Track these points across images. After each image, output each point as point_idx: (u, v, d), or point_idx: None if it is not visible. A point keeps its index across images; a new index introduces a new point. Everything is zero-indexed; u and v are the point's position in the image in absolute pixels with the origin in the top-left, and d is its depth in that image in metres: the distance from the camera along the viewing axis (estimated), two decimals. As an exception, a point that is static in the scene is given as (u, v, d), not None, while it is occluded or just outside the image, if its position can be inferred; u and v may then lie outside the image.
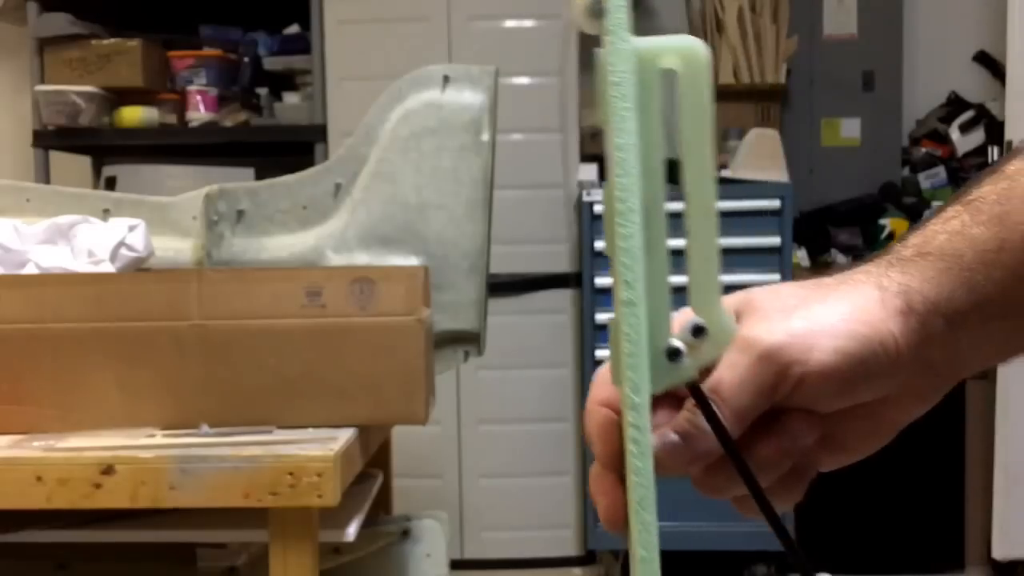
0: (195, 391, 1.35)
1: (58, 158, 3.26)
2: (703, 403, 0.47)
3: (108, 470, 1.22)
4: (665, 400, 0.48)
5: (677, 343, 0.47)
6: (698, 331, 0.47)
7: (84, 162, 3.47)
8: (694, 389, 0.47)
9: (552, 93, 3.13)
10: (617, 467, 0.47)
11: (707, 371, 0.48)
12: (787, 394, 0.48)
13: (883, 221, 3.29)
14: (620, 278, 0.44)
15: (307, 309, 1.35)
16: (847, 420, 0.51)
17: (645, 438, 0.44)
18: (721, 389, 0.47)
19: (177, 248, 1.63)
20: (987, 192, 0.51)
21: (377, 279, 1.36)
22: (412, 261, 1.65)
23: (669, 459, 0.47)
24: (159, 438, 1.31)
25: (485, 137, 1.69)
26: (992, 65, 3.56)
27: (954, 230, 0.50)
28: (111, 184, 3.17)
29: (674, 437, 0.47)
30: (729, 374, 0.47)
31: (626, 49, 0.46)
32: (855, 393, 0.49)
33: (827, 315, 0.48)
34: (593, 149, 3.32)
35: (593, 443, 0.50)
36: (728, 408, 0.47)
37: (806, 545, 2.66)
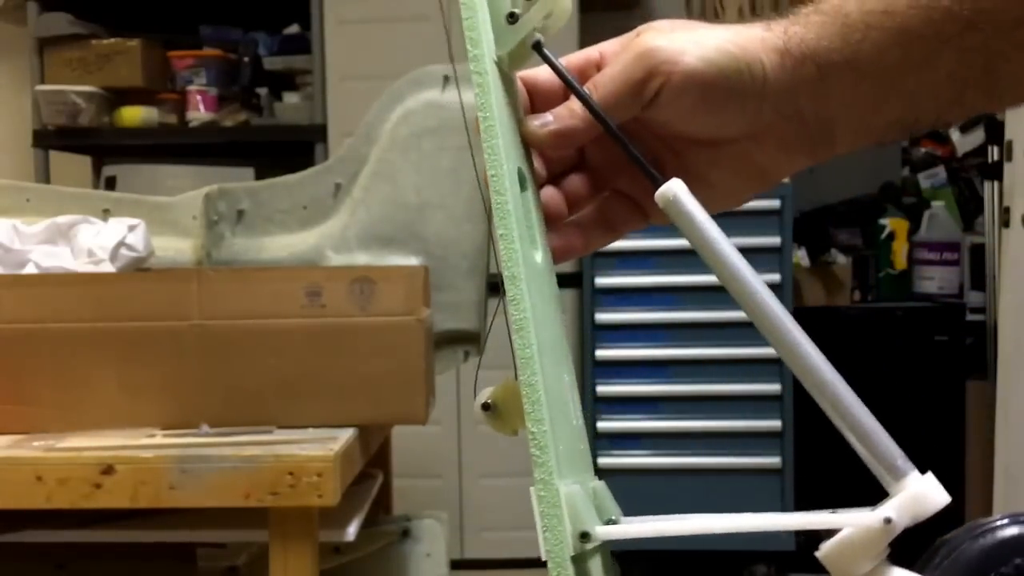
0: (195, 391, 1.35)
1: (58, 158, 3.26)
2: (547, 59, 0.51)
3: (108, 470, 1.22)
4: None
5: (513, 8, 0.51)
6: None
7: (84, 162, 3.47)
8: (536, 46, 0.51)
9: (552, 93, 3.13)
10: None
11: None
12: (653, 99, 0.51)
13: (883, 221, 3.29)
14: None
15: (307, 309, 1.35)
16: (714, 157, 0.54)
17: (489, 102, 0.48)
18: (598, 80, 0.52)
19: (177, 248, 1.63)
20: None
21: (377, 279, 1.36)
22: (412, 261, 1.65)
23: (548, 139, 0.52)
24: (159, 438, 1.31)
25: (485, 137, 1.69)
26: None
27: None
28: (111, 184, 3.17)
29: (548, 118, 0.52)
30: (609, 69, 0.52)
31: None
32: (716, 109, 0.52)
33: (707, 35, 0.52)
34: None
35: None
36: (599, 94, 0.51)
37: (806, 545, 2.65)
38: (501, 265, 0.47)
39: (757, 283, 0.50)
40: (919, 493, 0.47)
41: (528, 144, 0.53)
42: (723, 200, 0.56)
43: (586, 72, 0.53)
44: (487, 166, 0.48)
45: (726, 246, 0.50)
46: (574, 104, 0.52)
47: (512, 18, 0.51)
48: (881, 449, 0.49)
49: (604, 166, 0.56)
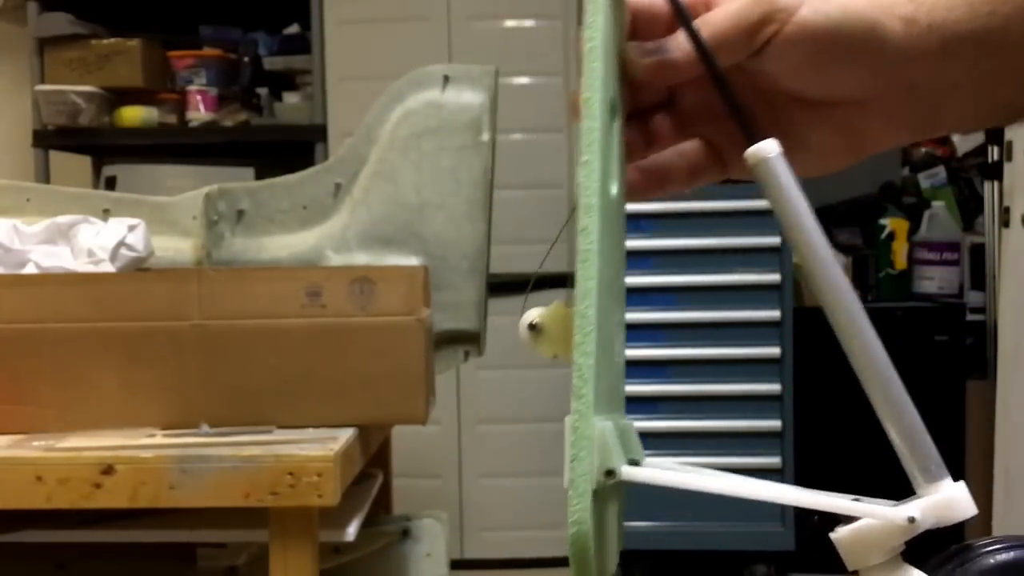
0: (195, 391, 1.35)
1: (58, 158, 3.26)
2: (678, 8, 0.49)
3: (108, 470, 1.22)
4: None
5: None
6: None
7: (84, 162, 3.47)
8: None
9: (552, 93, 3.13)
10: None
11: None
12: (764, 47, 0.48)
13: (883, 221, 3.29)
14: None
15: (307, 309, 1.35)
16: (814, 118, 0.52)
17: (597, 21, 0.46)
18: (709, 18, 0.49)
19: (177, 248, 1.63)
20: None
21: (377, 279, 1.36)
22: (412, 261, 1.65)
23: (648, 70, 0.49)
24: (159, 438, 1.31)
25: (485, 137, 1.69)
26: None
27: None
28: (111, 184, 3.17)
29: (652, 47, 0.49)
30: (723, 8, 0.49)
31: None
32: (828, 68, 0.49)
33: None
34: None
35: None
36: (709, 31, 0.48)
37: (807, 544, 2.65)
38: (578, 192, 0.46)
39: (832, 263, 0.48)
40: (949, 499, 0.47)
41: (625, 71, 0.50)
42: (815, 164, 0.54)
43: (696, 9, 0.50)
44: (583, 88, 0.46)
45: (811, 220, 0.47)
46: (681, 38, 0.49)
47: None
48: (922, 448, 0.50)
49: (694, 110, 0.53)
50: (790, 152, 0.48)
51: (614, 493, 0.47)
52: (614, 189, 0.49)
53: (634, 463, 0.47)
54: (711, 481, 0.47)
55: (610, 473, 0.44)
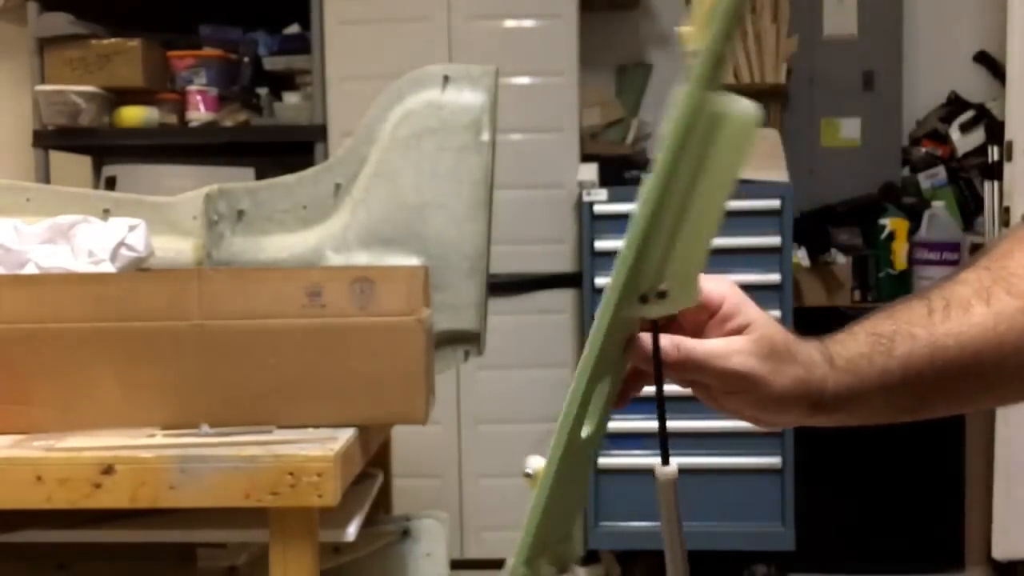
0: (195, 391, 1.35)
1: (58, 158, 3.26)
2: (654, 332, 0.69)
3: (108, 470, 1.22)
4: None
5: (648, 294, 0.66)
6: (661, 295, 0.66)
7: (84, 162, 3.47)
8: (653, 323, 0.68)
9: (552, 93, 3.13)
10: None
11: (672, 321, 0.70)
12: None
13: (883, 221, 3.29)
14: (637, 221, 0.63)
15: (307, 309, 1.35)
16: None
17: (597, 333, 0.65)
18: (683, 351, 0.71)
19: (177, 248, 1.63)
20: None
21: (377, 279, 1.36)
22: (412, 261, 1.65)
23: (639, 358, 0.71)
24: (159, 438, 1.31)
25: (485, 137, 1.69)
26: (992, 65, 3.56)
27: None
28: (111, 184, 3.17)
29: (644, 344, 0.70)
30: (715, 346, 0.71)
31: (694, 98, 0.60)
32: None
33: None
34: (593, 149, 3.32)
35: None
36: (670, 358, 0.70)
37: (807, 544, 2.65)
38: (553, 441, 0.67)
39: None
40: None
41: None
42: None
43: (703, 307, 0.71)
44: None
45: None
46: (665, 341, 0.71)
47: (644, 299, 0.66)
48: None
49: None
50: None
51: None
52: (584, 432, 0.68)
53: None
54: None
55: None
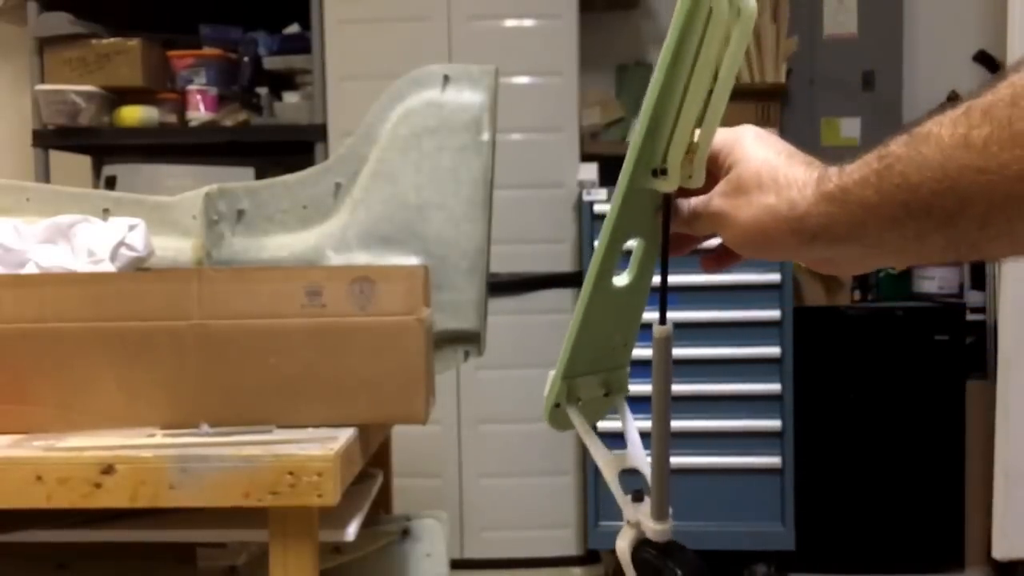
0: (195, 391, 1.35)
1: (58, 158, 3.26)
2: (665, 204, 0.77)
3: (108, 470, 1.22)
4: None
5: (658, 168, 0.73)
6: (662, 171, 0.73)
7: (84, 162, 3.47)
8: (665, 196, 0.76)
9: (552, 93, 3.13)
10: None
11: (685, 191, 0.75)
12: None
13: (883, 221, 3.29)
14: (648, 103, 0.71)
15: (307, 309, 1.35)
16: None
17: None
18: (685, 209, 0.77)
19: (177, 248, 1.63)
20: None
21: (377, 279, 1.36)
22: (412, 261, 1.65)
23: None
24: (159, 438, 1.31)
25: (485, 137, 1.69)
26: (992, 65, 3.56)
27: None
28: (111, 184, 3.17)
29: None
30: (694, 208, 0.76)
31: None
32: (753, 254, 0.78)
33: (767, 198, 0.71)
34: (593, 149, 3.32)
35: None
36: (677, 219, 0.78)
37: (807, 544, 2.64)
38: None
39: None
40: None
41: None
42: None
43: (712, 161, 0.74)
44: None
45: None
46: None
47: (656, 174, 0.73)
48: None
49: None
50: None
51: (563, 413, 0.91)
52: (619, 281, 0.84)
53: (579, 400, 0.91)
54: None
55: (557, 406, 0.91)
